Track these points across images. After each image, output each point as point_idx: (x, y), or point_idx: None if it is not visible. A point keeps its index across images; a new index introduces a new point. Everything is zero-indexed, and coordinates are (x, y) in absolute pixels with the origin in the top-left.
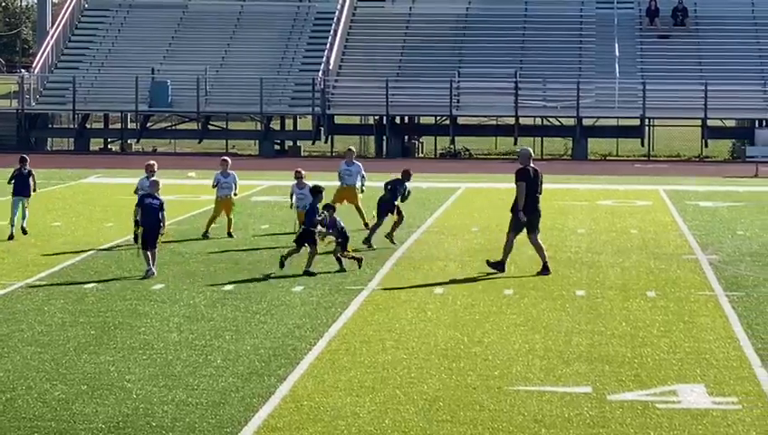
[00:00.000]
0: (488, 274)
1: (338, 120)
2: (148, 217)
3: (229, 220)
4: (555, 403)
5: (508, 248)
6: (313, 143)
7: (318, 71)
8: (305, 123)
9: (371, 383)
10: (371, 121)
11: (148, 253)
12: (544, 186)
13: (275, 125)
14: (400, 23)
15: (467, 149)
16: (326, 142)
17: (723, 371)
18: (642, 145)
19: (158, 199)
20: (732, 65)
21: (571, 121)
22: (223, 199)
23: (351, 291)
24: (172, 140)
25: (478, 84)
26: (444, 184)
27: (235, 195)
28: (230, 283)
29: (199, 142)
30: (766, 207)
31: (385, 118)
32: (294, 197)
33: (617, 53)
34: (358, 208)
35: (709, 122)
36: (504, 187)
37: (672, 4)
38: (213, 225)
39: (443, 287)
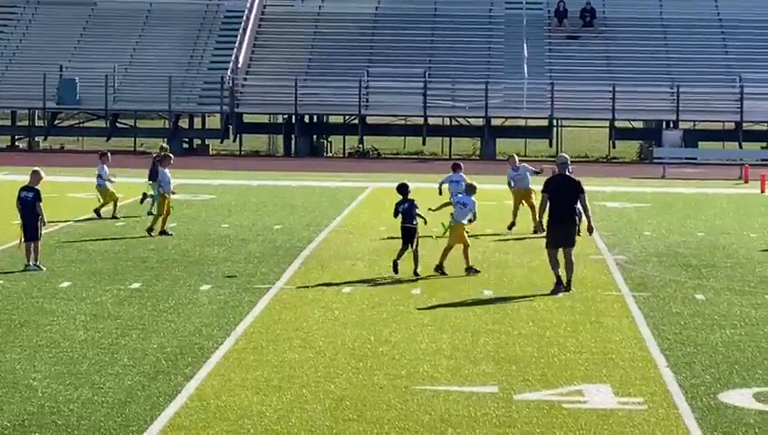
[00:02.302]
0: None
1: (246, 118)
2: (25, 209)
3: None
4: (462, 403)
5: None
6: (222, 142)
7: (227, 69)
8: (214, 122)
9: (278, 382)
10: (280, 120)
11: (31, 246)
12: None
13: (184, 123)
14: (310, 22)
15: (376, 149)
16: (234, 141)
17: (629, 371)
18: (550, 145)
19: (33, 191)
20: (640, 67)
21: (480, 122)
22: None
23: (259, 290)
24: (80, 138)
25: (387, 84)
26: (352, 183)
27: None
28: (137, 281)
29: (107, 140)
30: (673, 208)
31: (294, 117)
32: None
33: (525, 54)
34: (532, 207)
35: (617, 123)
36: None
37: (580, 4)
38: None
39: (351, 286)
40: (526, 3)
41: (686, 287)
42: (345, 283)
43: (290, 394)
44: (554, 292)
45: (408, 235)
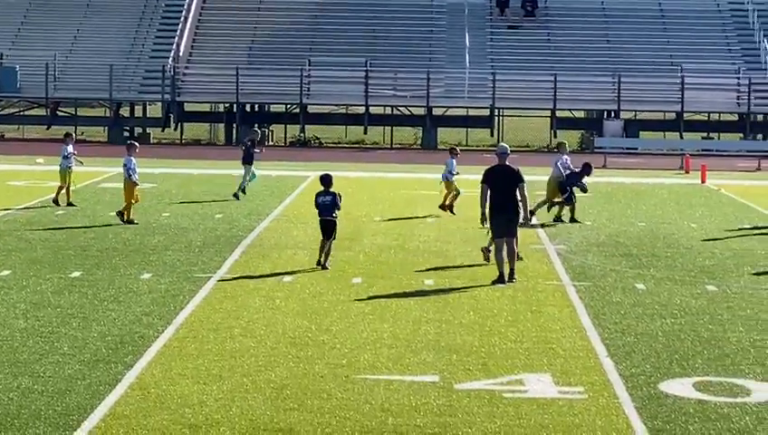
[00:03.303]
0: (337, 262)
1: (188, 107)
2: None
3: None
4: (402, 392)
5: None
6: (163, 130)
7: (168, 58)
8: (155, 110)
9: (219, 371)
10: (221, 109)
11: None
12: (396, 175)
13: (125, 112)
14: (251, 10)
15: (317, 138)
16: (175, 129)
17: (569, 360)
18: (492, 135)
19: None
20: (581, 56)
21: (421, 111)
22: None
23: (200, 279)
24: (20, 126)
25: (329, 73)
26: (294, 172)
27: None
28: (78, 270)
29: (48, 129)
30: (613, 198)
31: (235, 105)
32: None
33: (467, 44)
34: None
35: (558, 113)
36: (354, 175)
37: None
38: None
39: (291, 276)
40: None
41: (626, 277)
42: (286, 272)
43: (230, 383)
44: (497, 281)
45: (327, 228)
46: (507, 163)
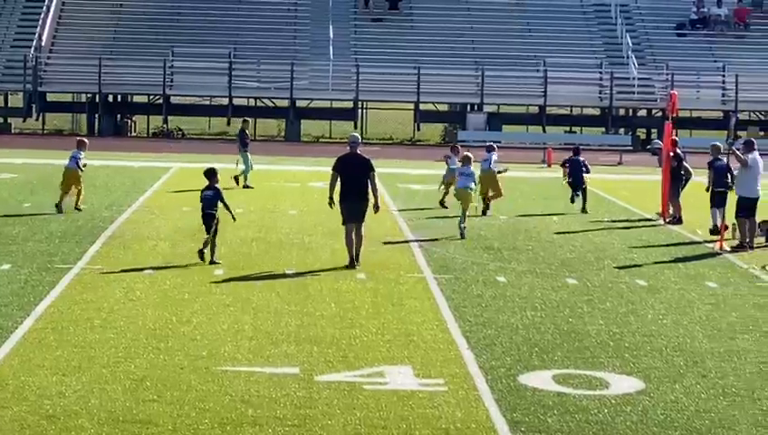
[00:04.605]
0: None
1: (50, 97)
2: None
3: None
4: (263, 384)
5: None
6: (24, 120)
7: (30, 47)
8: (16, 100)
9: (78, 363)
10: (84, 99)
11: None
12: (259, 166)
13: None
14: (114, 0)
15: (180, 129)
16: (37, 120)
17: (430, 352)
18: (355, 127)
19: None
20: (445, 50)
21: (285, 103)
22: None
23: (60, 269)
24: None
25: (192, 64)
26: (156, 163)
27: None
28: None
29: None
30: (476, 191)
31: (98, 96)
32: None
33: (331, 36)
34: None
35: (422, 106)
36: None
37: None
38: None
39: (153, 267)
40: None
41: (487, 270)
42: (147, 264)
43: (90, 375)
44: (349, 266)
45: (209, 221)
46: (358, 152)
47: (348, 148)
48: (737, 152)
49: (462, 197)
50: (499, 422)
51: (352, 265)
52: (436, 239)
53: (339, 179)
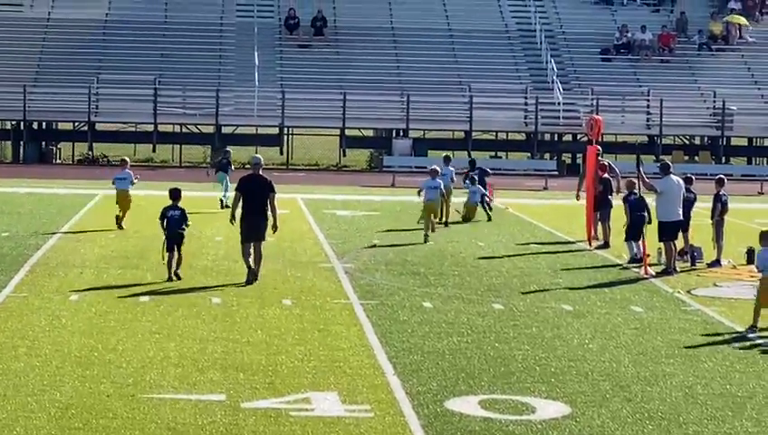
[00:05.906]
0: (125, 281)
1: None
2: None
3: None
4: (189, 411)
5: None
6: None
7: None
8: None
9: (2, 391)
10: (8, 126)
11: None
12: (186, 193)
13: None
14: (39, 27)
15: (105, 156)
16: None
17: (356, 378)
18: (281, 153)
19: None
20: (370, 75)
21: (211, 129)
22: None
23: None
24: None
25: (117, 91)
26: (81, 190)
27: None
28: None
29: None
30: (402, 217)
31: (22, 123)
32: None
33: (257, 62)
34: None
35: (347, 132)
36: (142, 193)
37: (312, 13)
38: None
39: (78, 294)
40: (258, 10)
41: (414, 295)
42: (73, 290)
43: (14, 403)
44: (247, 282)
45: (176, 241)
46: (260, 173)
47: (251, 169)
48: (644, 177)
49: (432, 209)
50: None
51: (254, 276)
52: (363, 265)
53: (241, 199)
